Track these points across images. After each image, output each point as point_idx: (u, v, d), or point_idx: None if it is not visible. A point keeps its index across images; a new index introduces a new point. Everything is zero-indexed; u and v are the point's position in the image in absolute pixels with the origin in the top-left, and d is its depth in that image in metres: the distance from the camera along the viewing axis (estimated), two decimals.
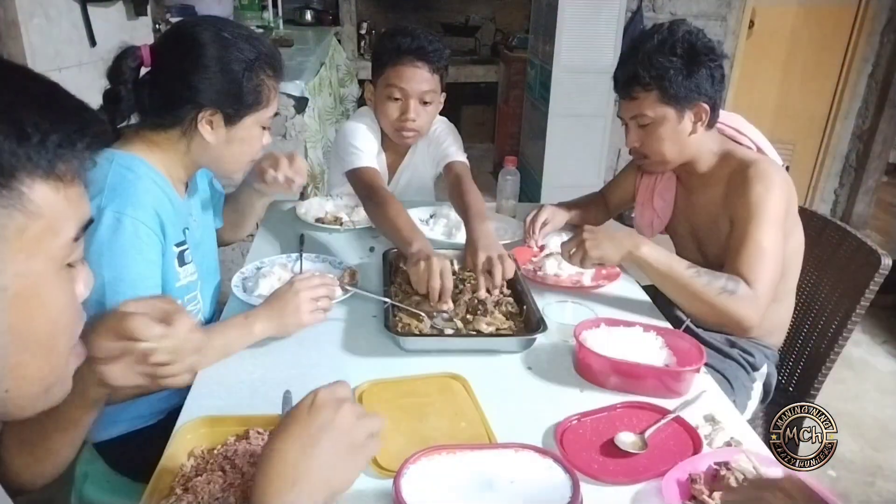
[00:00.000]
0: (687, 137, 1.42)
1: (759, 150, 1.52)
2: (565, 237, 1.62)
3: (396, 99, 1.70)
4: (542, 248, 1.64)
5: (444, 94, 1.77)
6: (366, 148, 1.71)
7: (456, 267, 1.50)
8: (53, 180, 0.48)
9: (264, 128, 1.25)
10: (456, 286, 1.38)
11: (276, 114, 1.26)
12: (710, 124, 1.43)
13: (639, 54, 1.36)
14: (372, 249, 1.62)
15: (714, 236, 1.48)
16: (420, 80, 1.68)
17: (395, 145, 1.85)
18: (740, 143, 1.52)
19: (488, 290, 1.32)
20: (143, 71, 1.15)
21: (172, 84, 1.13)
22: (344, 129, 1.81)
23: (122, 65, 1.11)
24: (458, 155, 1.83)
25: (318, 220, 1.75)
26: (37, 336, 0.51)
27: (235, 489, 0.80)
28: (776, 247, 1.33)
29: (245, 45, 1.15)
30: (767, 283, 1.30)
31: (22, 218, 0.46)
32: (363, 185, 1.61)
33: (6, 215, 0.45)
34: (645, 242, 1.34)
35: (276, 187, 1.45)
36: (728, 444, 0.96)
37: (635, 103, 1.40)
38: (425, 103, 1.71)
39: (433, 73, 1.69)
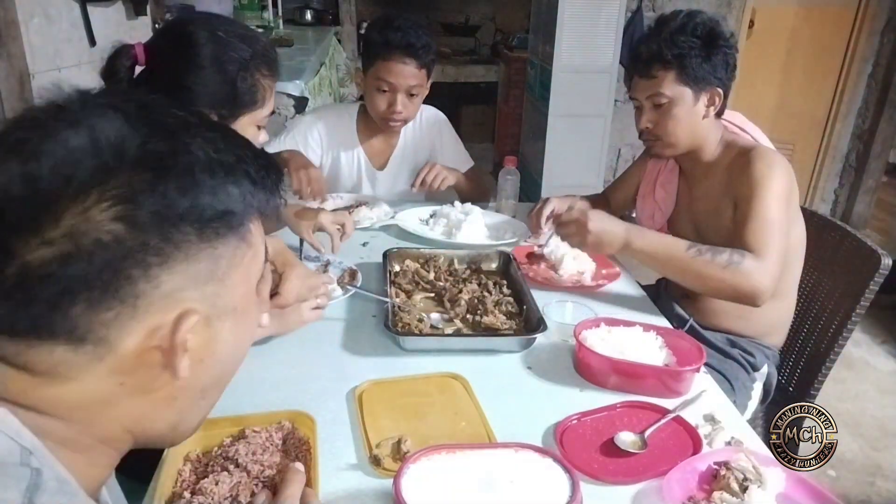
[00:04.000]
0: (699, 121, 1.43)
1: None
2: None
3: (384, 91, 1.77)
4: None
5: (430, 82, 1.85)
6: (296, 143, 1.86)
7: (457, 266, 1.50)
8: (260, 216, 0.57)
9: (260, 127, 1.24)
10: (455, 286, 1.38)
11: (273, 112, 1.25)
12: (720, 112, 1.45)
13: (661, 33, 1.38)
14: (365, 244, 1.64)
15: (716, 225, 1.47)
16: (408, 75, 1.74)
17: (382, 133, 1.94)
18: (736, 134, 1.53)
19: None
20: (139, 70, 1.13)
21: (167, 85, 1.12)
22: (291, 122, 1.95)
23: (116, 64, 1.10)
24: (465, 165, 1.99)
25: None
26: (245, 349, 0.60)
27: (244, 487, 0.81)
28: (782, 218, 1.33)
29: (240, 44, 1.13)
30: (775, 250, 1.29)
31: (245, 248, 0.54)
32: None
33: (240, 247, 0.53)
34: (639, 236, 1.33)
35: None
36: (728, 443, 0.96)
37: (653, 82, 1.41)
38: (412, 95, 1.79)
39: (420, 69, 1.75)
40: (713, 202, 1.47)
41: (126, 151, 0.47)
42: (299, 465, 0.73)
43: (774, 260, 1.29)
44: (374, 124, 1.90)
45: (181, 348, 0.49)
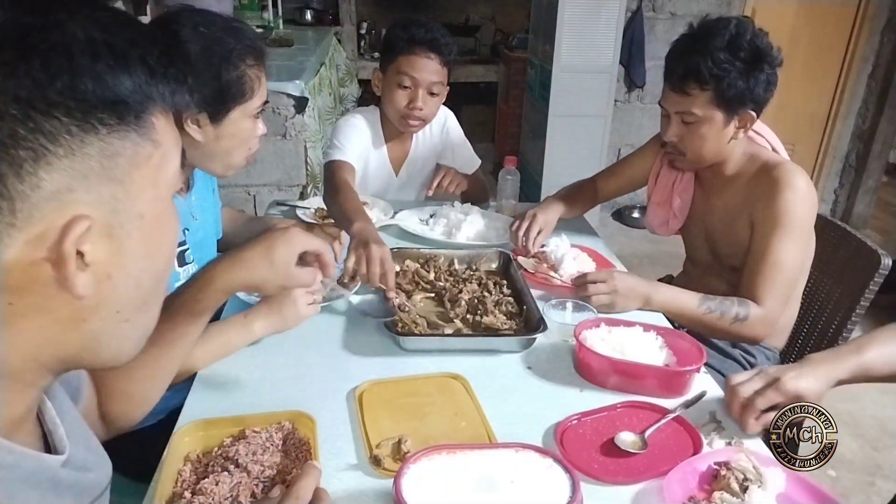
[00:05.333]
0: (726, 142, 1.39)
1: (775, 151, 1.51)
2: (565, 237, 1.62)
3: (406, 87, 1.74)
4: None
5: (447, 87, 1.83)
6: (347, 145, 1.76)
7: (457, 266, 1.50)
8: (167, 112, 0.51)
9: (256, 117, 1.22)
10: (455, 286, 1.38)
11: (266, 102, 1.24)
12: (748, 129, 1.41)
13: (705, 48, 1.29)
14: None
15: (729, 238, 1.47)
16: (431, 70, 1.73)
17: (398, 138, 1.91)
18: (759, 145, 1.51)
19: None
20: None
21: None
22: (336, 125, 1.88)
23: None
24: (472, 165, 2.00)
25: (316, 211, 1.77)
26: (162, 261, 0.53)
27: (244, 487, 0.81)
28: (795, 260, 1.35)
29: (224, 37, 1.12)
30: (779, 297, 1.34)
31: (151, 147, 0.49)
32: (330, 176, 1.67)
33: (140, 144, 0.48)
34: (657, 295, 1.34)
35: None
36: (728, 444, 0.96)
37: (686, 99, 1.34)
38: (433, 94, 1.77)
39: (443, 66, 1.75)
40: (729, 215, 1.46)
41: None
42: (317, 463, 0.72)
43: (778, 304, 1.34)
44: (391, 129, 1.88)
45: (71, 259, 0.44)
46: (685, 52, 1.34)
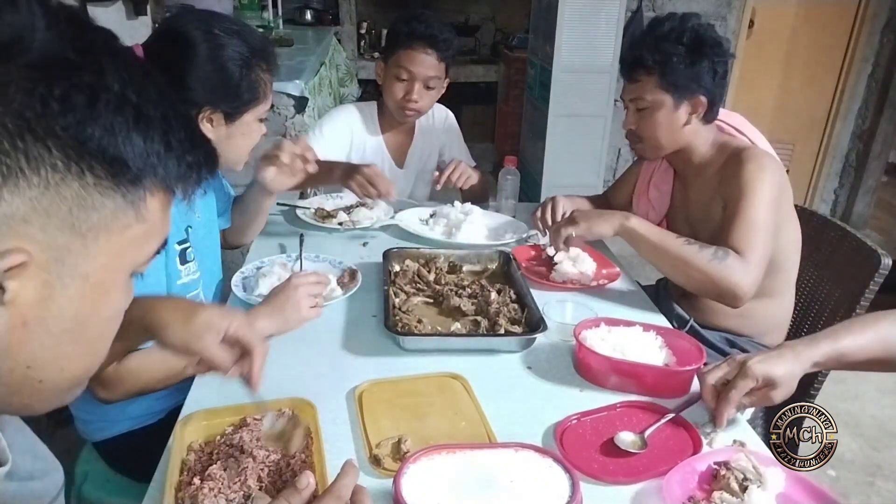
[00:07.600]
0: (680, 127, 1.43)
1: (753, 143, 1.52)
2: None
3: (403, 80, 1.79)
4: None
5: (447, 80, 1.87)
6: (329, 135, 1.85)
7: (457, 266, 1.50)
8: (168, 194, 0.50)
9: (262, 120, 1.27)
10: (456, 287, 1.38)
11: (271, 105, 1.28)
12: (709, 119, 1.44)
13: (647, 38, 1.40)
14: (365, 244, 1.65)
15: (708, 226, 1.47)
16: (427, 65, 1.77)
17: (397, 129, 1.96)
18: (730, 134, 1.53)
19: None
20: None
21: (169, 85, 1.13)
22: (329, 112, 1.96)
23: None
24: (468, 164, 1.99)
25: (316, 211, 1.77)
26: (91, 332, 0.50)
27: (251, 472, 0.81)
28: (767, 222, 1.33)
29: (238, 42, 1.15)
30: (758, 253, 1.30)
31: (132, 218, 0.47)
32: None
33: (122, 210, 0.46)
34: (634, 216, 1.37)
35: (281, 180, 1.44)
36: (733, 443, 0.96)
37: (636, 86, 1.43)
38: (429, 87, 1.82)
39: (440, 62, 1.79)
40: (705, 202, 1.47)
41: (27, 44, 0.40)
42: (355, 461, 0.72)
43: (757, 262, 1.29)
44: (392, 121, 1.92)
45: None
46: (633, 46, 1.44)
